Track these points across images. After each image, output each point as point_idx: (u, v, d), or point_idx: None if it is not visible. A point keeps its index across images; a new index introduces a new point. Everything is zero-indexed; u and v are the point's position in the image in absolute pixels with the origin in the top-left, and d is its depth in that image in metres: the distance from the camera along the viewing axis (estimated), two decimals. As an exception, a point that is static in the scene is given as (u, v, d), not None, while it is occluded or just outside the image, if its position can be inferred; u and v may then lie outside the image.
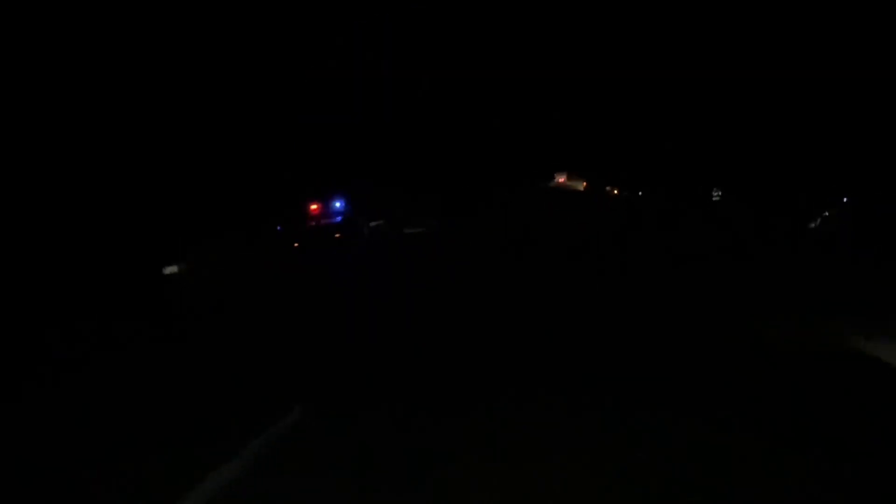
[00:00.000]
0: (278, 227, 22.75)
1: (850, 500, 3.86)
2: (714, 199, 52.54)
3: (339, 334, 9.89)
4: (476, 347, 8.42)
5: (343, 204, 28.49)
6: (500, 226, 29.56)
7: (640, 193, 55.46)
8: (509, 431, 5.15)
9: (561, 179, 54.72)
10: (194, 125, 24.10)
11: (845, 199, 45.15)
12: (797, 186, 48.91)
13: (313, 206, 27.27)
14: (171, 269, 18.34)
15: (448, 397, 6.24)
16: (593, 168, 54.13)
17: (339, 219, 27.90)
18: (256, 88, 30.20)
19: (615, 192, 55.82)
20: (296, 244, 22.96)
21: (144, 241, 18.51)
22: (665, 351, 7.91)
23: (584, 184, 55.33)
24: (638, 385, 6.25)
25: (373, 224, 29.46)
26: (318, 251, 22.08)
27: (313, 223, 26.40)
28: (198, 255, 18.76)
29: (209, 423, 5.77)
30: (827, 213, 43.38)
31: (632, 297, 12.28)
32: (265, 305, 13.02)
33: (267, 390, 6.93)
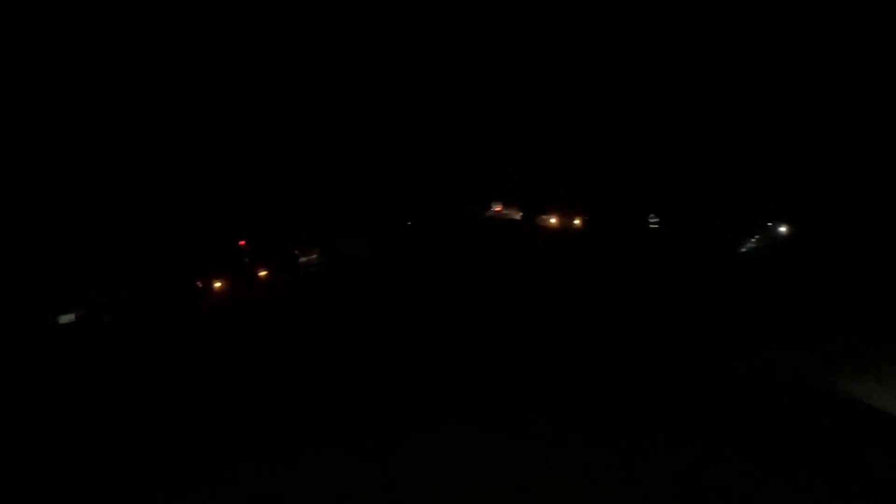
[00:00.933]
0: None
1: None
2: (651, 225, 52.15)
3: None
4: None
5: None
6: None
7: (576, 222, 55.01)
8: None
9: (497, 208, 54.75)
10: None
11: (769, 224, 45.88)
12: (722, 208, 49.55)
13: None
14: (67, 318, 16.22)
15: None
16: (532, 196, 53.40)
17: None
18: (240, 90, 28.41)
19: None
20: (198, 283, 21.07)
21: (34, 284, 16.19)
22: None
23: (521, 213, 55.04)
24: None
25: (303, 259, 27.66)
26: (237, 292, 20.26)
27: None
28: (96, 299, 16.68)
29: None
30: (758, 237, 44.06)
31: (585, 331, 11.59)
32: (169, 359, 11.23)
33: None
